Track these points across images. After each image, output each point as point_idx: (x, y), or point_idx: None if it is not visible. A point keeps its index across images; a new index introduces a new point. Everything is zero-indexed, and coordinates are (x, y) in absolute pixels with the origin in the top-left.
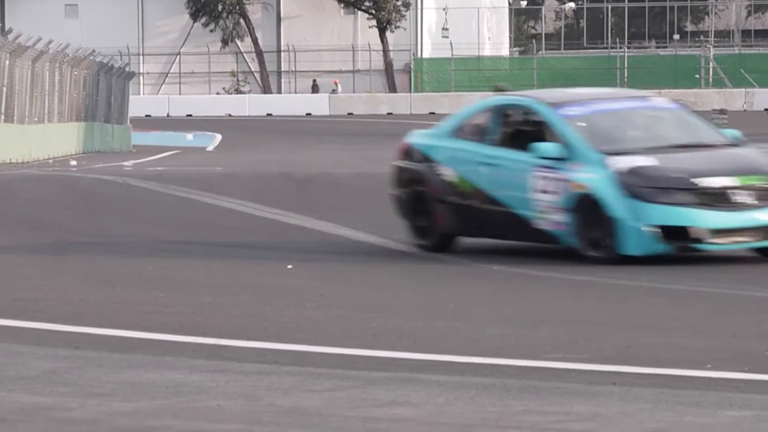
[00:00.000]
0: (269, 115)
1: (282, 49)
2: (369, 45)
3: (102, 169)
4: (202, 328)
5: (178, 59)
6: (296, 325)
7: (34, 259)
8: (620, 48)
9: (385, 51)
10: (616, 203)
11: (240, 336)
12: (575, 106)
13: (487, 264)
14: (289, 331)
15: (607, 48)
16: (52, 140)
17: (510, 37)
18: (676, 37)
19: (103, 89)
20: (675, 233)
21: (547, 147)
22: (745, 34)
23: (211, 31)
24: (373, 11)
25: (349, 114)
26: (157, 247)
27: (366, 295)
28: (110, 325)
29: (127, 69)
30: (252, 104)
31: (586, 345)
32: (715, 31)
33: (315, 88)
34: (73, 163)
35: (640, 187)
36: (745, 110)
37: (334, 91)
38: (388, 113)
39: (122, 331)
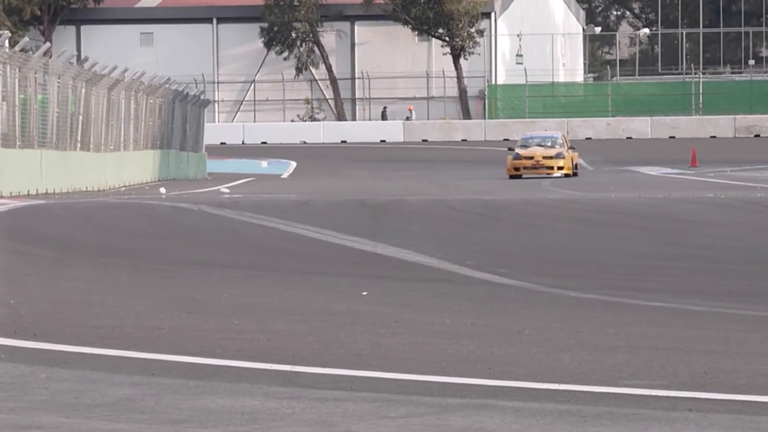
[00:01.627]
0: (343, 142)
1: (356, 76)
2: (443, 72)
3: (191, 197)
4: (277, 354)
5: (252, 87)
6: (371, 352)
7: (109, 286)
8: (695, 74)
9: (459, 78)
10: None
11: (315, 362)
12: None
13: (562, 290)
14: (364, 358)
15: (681, 74)
16: (128, 168)
17: (584, 63)
18: (752, 62)
19: (178, 117)
20: None
21: None
22: None
23: (285, 58)
24: (447, 38)
25: (423, 141)
26: (232, 274)
27: (440, 321)
28: (185, 352)
29: (202, 97)
30: (326, 131)
31: (661, 371)
32: None
33: (384, 115)
34: (163, 190)
35: None
36: None
37: (408, 118)
38: (463, 140)
39: (197, 358)
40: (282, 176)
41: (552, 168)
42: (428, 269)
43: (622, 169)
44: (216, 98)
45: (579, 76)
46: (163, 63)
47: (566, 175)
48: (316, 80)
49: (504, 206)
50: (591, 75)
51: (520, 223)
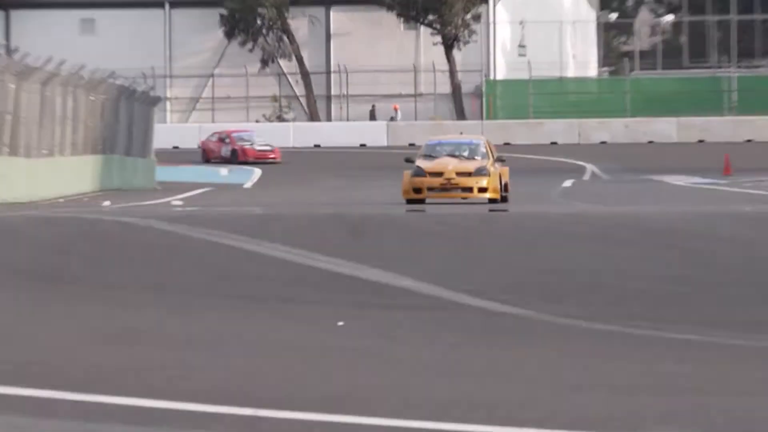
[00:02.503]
0: (317, 146)
1: (332, 69)
2: (433, 65)
3: (138, 210)
4: (237, 396)
5: (211, 82)
6: (348, 393)
7: (39, 315)
8: (727, 67)
9: (452, 72)
10: None
11: (282, 406)
12: None
13: (574, 320)
14: (340, 400)
15: (711, 67)
16: (64, 176)
17: (598, 55)
18: None
19: (124, 117)
20: None
21: None
22: None
23: (250, 50)
24: (438, 26)
25: (410, 145)
26: (185, 301)
27: (431, 356)
28: (128, 393)
29: (152, 93)
30: (297, 134)
31: (692, 416)
32: None
33: (373, 115)
34: (107, 203)
35: None
36: None
37: (393, 119)
38: None
39: (142, 400)
40: (244, 186)
41: (470, 190)
42: (416, 295)
43: (643, 179)
44: (168, 95)
45: (592, 70)
46: (106, 54)
47: (491, 200)
48: (284, 74)
49: (505, 221)
50: (606, 69)
51: (524, 240)
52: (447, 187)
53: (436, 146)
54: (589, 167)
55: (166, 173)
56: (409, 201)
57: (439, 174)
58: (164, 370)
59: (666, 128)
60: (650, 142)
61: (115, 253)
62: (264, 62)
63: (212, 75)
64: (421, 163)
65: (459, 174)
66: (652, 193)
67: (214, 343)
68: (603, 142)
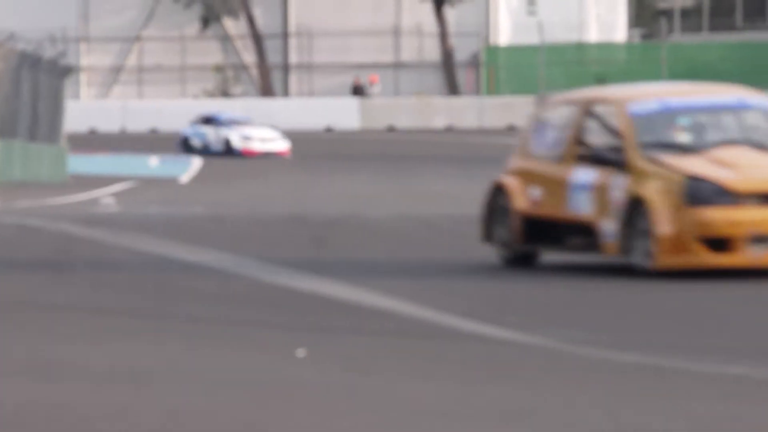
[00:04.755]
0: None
1: (290, 31)
2: (419, 27)
3: (45, 211)
4: None
5: (137, 48)
6: None
7: None
8: None
9: (444, 35)
10: None
11: None
12: None
13: (593, 349)
14: None
15: None
16: None
17: (628, 15)
18: None
19: (27, 91)
20: None
21: None
22: None
23: (186, 5)
24: None
25: (388, 128)
26: (107, 323)
27: (416, 393)
28: None
29: (62, 61)
30: (246, 113)
31: None
32: None
33: (359, 90)
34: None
35: None
36: None
37: (366, 93)
38: (447, 127)
39: None
40: (180, 180)
41: None
42: (396, 318)
43: None
44: (83, 63)
45: (620, 34)
46: (5, 12)
47: None
48: (230, 38)
49: None
50: (638, 30)
51: None
52: None
53: (677, 115)
54: None
55: (80, 163)
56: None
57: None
58: (83, 410)
59: None
60: None
61: (16, 266)
62: (205, 22)
63: (138, 38)
64: (699, 167)
65: None
66: None
67: (143, 377)
68: None
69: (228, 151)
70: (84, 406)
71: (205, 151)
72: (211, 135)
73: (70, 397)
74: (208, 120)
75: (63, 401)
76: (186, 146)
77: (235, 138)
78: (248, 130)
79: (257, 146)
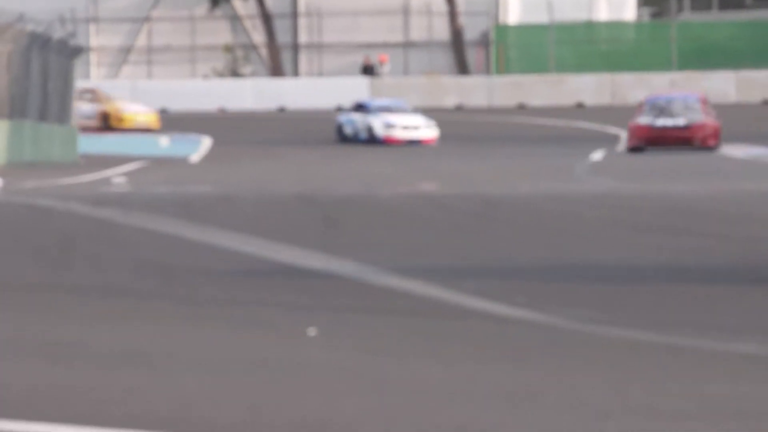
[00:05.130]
0: (281, 109)
1: (300, 12)
2: (428, 6)
3: (56, 190)
4: (184, 424)
5: (146, 28)
6: (322, 419)
7: None
8: None
9: (453, 14)
10: None
11: None
12: None
13: (604, 328)
14: (312, 429)
15: None
16: None
17: None
18: None
19: (37, 72)
20: None
21: None
22: None
23: None
24: None
25: None
26: (116, 305)
27: (426, 374)
28: (47, 419)
29: (71, 42)
30: (256, 93)
31: None
32: None
33: (369, 70)
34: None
35: None
36: None
37: (376, 73)
38: (457, 106)
39: (67, 428)
40: (190, 159)
41: None
42: (405, 297)
43: (691, 149)
44: (92, 44)
45: (630, 12)
46: None
47: None
48: (239, 18)
49: (517, 204)
50: (648, 9)
51: (542, 229)
52: None
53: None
54: (625, 136)
55: (90, 144)
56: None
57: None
58: (92, 392)
59: (722, 85)
60: None
61: (25, 246)
62: (214, 2)
63: (148, 19)
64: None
65: None
66: (701, 167)
67: (153, 358)
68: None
69: (372, 139)
70: (92, 388)
71: (355, 139)
72: (359, 122)
73: (78, 379)
74: (359, 107)
75: (71, 383)
76: (340, 134)
77: (378, 125)
78: (393, 118)
79: (399, 134)
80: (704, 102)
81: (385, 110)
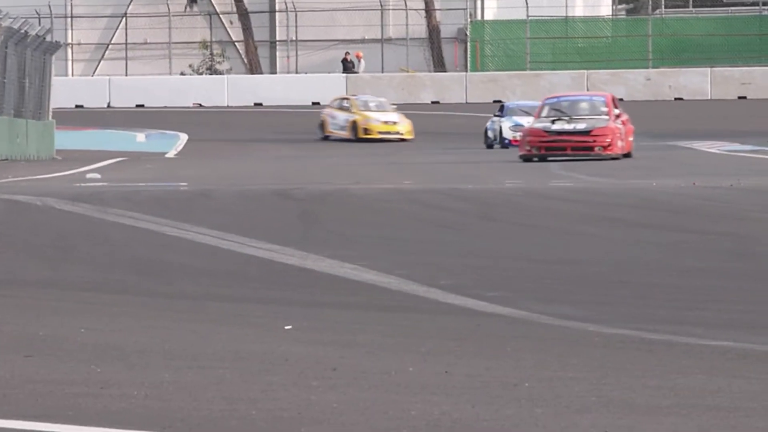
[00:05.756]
0: (258, 104)
1: (276, 8)
2: (405, 2)
3: (33, 186)
4: (159, 418)
5: (123, 24)
6: (299, 413)
7: None
8: None
9: (429, 11)
10: None
11: (215, 430)
12: None
13: (579, 323)
14: (288, 422)
15: (758, 4)
16: None
17: None
18: None
19: (13, 67)
20: None
21: None
22: None
23: None
24: None
25: None
26: (92, 299)
27: (400, 368)
28: (22, 415)
29: (48, 38)
30: (232, 89)
31: None
32: None
33: (349, 66)
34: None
35: None
36: None
37: (353, 69)
38: (434, 102)
39: (40, 424)
40: (167, 155)
41: None
42: (383, 292)
43: (668, 145)
44: (69, 40)
45: (605, 9)
46: None
47: None
48: (217, 14)
49: (494, 200)
50: (623, 7)
51: (518, 224)
52: None
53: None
54: None
55: (67, 139)
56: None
57: None
58: (67, 387)
59: (698, 81)
60: (678, 99)
61: (2, 242)
62: None
63: (125, 15)
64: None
65: None
66: (678, 163)
67: (130, 353)
68: (619, 99)
69: (503, 142)
70: (70, 382)
71: (495, 143)
72: (497, 125)
73: (56, 373)
74: (501, 109)
75: (49, 377)
76: (486, 139)
77: (506, 128)
78: (522, 120)
79: (374, 128)
80: (612, 103)
81: (518, 112)
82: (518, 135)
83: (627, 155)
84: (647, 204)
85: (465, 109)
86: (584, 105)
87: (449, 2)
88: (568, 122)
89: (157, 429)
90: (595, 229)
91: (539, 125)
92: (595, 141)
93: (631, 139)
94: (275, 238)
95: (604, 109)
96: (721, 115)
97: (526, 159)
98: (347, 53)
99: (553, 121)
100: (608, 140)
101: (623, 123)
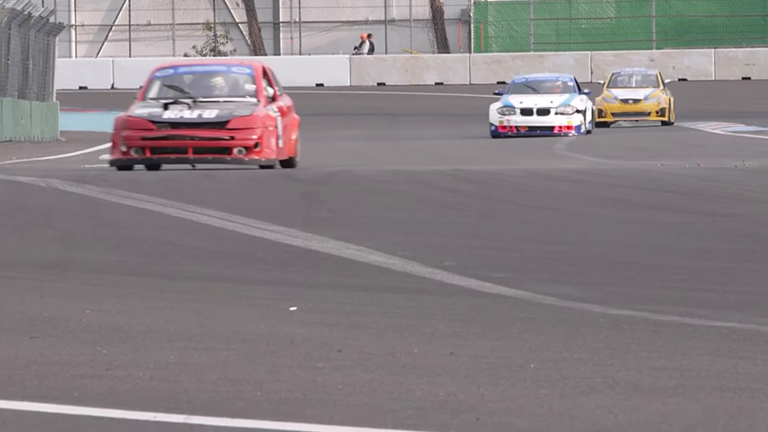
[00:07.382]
0: None
1: None
2: None
3: (37, 168)
4: (164, 399)
5: (126, 5)
6: (303, 395)
7: None
8: None
9: None
10: None
11: (221, 411)
12: None
13: (584, 304)
14: (292, 403)
15: None
16: None
17: None
18: None
19: (16, 49)
20: None
21: None
22: None
23: None
24: None
25: (379, 84)
26: (97, 281)
27: (405, 350)
28: (27, 396)
29: (51, 19)
30: None
31: (731, 423)
32: None
33: (369, 48)
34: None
35: None
36: None
37: (357, 51)
38: (437, 83)
39: (46, 405)
40: None
41: None
42: (388, 273)
43: (672, 126)
44: (73, 21)
45: None
46: None
47: None
48: None
49: (498, 181)
50: None
51: (523, 205)
52: None
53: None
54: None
55: (71, 121)
56: None
57: None
58: (73, 368)
59: (702, 62)
60: (682, 79)
61: (5, 223)
62: None
63: None
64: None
65: None
66: (682, 144)
67: (136, 334)
68: None
69: (490, 129)
70: (75, 363)
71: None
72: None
73: (61, 354)
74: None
75: (54, 359)
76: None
77: (493, 110)
78: (525, 99)
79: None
80: (265, 78)
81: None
82: (505, 120)
83: (288, 162)
84: (652, 185)
85: (469, 91)
86: (218, 80)
87: None
88: (190, 108)
89: (162, 410)
90: (601, 210)
91: (143, 111)
92: (233, 138)
93: (294, 136)
94: (280, 220)
95: (251, 87)
96: (725, 96)
97: (122, 167)
98: (368, 35)
99: (165, 106)
100: (254, 137)
101: (282, 111)
